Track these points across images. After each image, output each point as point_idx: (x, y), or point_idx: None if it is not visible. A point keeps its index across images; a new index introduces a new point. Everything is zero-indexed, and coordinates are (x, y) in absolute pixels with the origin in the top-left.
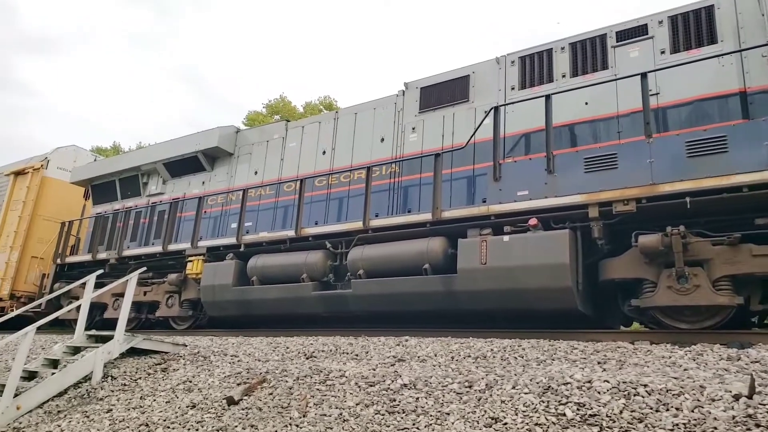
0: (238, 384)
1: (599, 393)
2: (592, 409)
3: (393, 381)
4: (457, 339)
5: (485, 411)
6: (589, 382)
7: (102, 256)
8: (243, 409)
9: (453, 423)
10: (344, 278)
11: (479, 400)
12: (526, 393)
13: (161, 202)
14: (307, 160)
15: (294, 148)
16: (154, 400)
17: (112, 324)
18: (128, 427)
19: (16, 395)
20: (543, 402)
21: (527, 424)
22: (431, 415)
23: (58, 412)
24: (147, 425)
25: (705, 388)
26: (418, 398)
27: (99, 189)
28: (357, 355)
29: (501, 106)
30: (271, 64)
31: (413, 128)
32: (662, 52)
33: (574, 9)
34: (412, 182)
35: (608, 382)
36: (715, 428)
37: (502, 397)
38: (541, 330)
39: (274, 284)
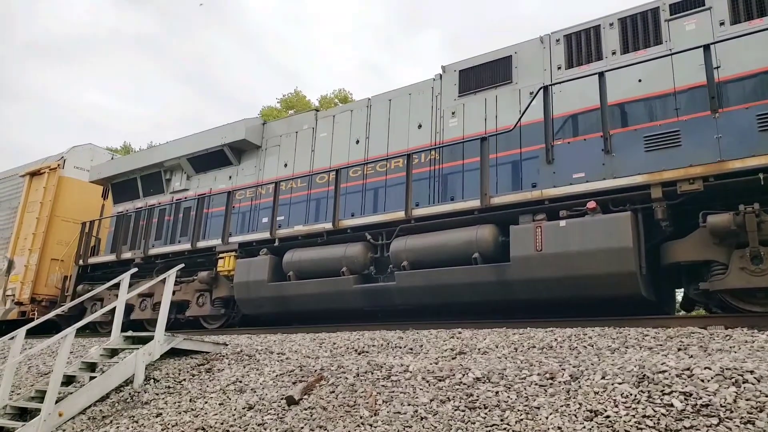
0: (294, 383)
1: (703, 381)
2: (701, 398)
3: (464, 375)
4: (514, 330)
5: (580, 404)
6: (688, 369)
7: (127, 255)
8: (306, 409)
9: (547, 418)
10: (386, 271)
11: (568, 392)
12: (620, 383)
13: (186, 199)
14: (339, 150)
15: (325, 138)
16: (206, 403)
17: (138, 326)
18: (183, 431)
19: (57, 401)
20: (643, 392)
21: (633, 416)
22: (519, 410)
23: (103, 417)
24: (204, 429)
25: None
26: (497, 392)
27: (119, 187)
28: (411, 349)
29: (551, 85)
30: (278, 61)
31: (453, 113)
32: (721, 24)
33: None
34: (453, 169)
35: (710, 369)
36: None
37: (594, 389)
38: (601, 318)
39: (313, 279)
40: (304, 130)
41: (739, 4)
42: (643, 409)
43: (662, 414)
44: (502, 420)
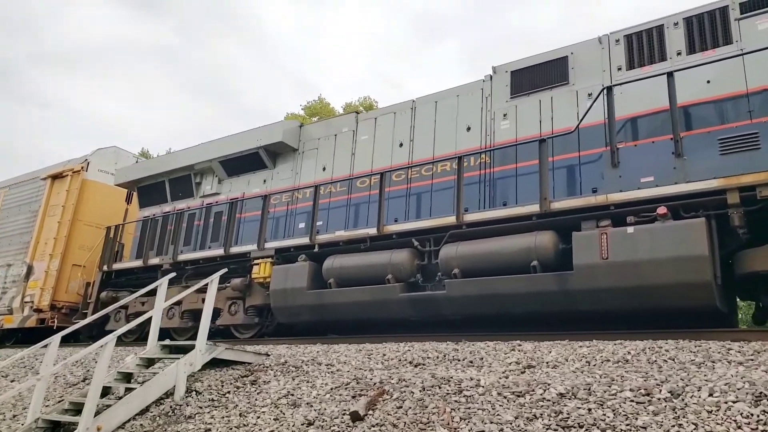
0: (354, 397)
1: None
2: None
3: (545, 390)
4: (579, 342)
5: (695, 424)
6: None
7: (154, 261)
8: (374, 426)
9: None
10: (434, 279)
11: (674, 410)
12: (734, 401)
13: (217, 203)
14: (381, 153)
15: (366, 141)
16: (258, 417)
17: (164, 334)
18: None
19: (96, 414)
20: (766, 412)
21: None
22: (622, 430)
23: None
24: None
25: None
26: (590, 409)
27: (146, 190)
28: (471, 362)
29: (615, 85)
30: (293, 73)
31: (504, 114)
32: None
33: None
34: (505, 173)
35: None
36: None
37: (705, 407)
38: (669, 330)
39: (355, 287)
40: (344, 133)
41: None
42: None
43: None
44: None
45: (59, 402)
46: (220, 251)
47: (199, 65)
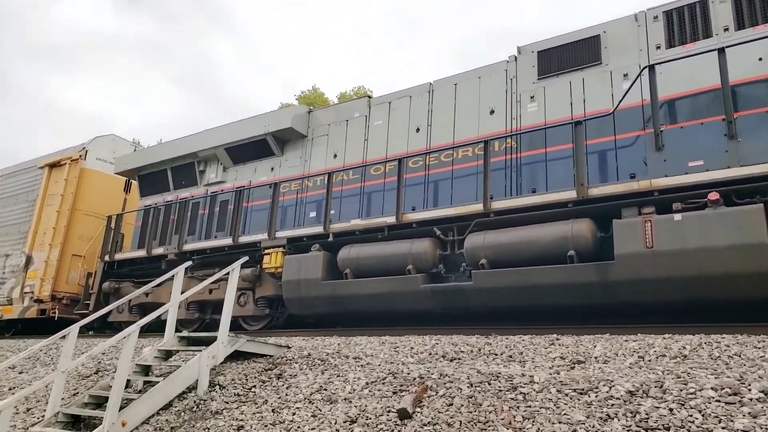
0: (394, 392)
1: None
2: None
3: (610, 388)
4: (623, 336)
5: None
6: None
7: (158, 251)
8: (426, 425)
9: None
10: (458, 269)
11: None
12: None
13: (223, 191)
14: (397, 138)
15: (380, 126)
16: (294, 414)
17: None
18: None
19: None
20: None
21: None
22: None
23: (171, 428)
24: None
25: None
26: (671, 409)
27: (148, 179)
28: (511, 357)
29: (658, 63)
30: (276, 67)
31: (531, 97)
32: None
33: None
34: (534, 158)
35: None
36: None
37: None
38: (720, 324)
39: (373, 277)
40: (356, 119)
41: None
42: None
43: None
44: None
45: (74, 395)
46: (228, 241)
47: (183, 58)
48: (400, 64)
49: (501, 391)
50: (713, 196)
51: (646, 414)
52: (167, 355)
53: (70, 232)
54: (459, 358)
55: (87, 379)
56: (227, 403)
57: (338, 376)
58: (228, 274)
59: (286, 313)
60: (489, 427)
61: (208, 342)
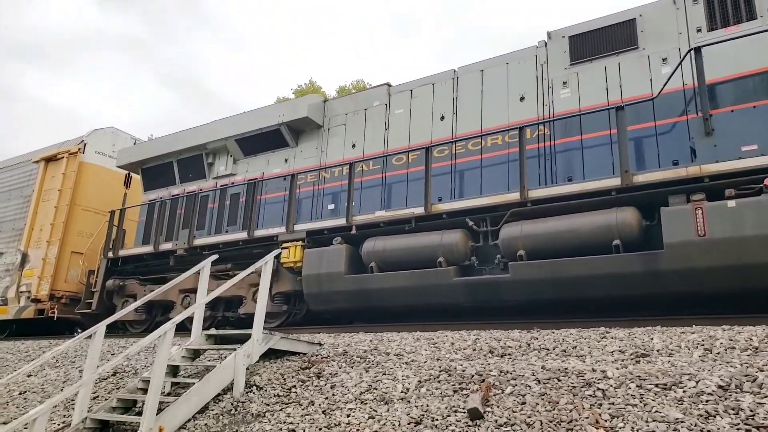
0: (455, 391)
1: None
2: None
3: (696, 382)
4: (679, 328)
5: None
6: None
7: (166, 246)
8: (502, 426)
9: None
10: (491, 261)
11: None
12: None
13: (233, 184)
14: (420, 127)
15: (401, 115)
16: (349, 416)
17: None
18: None
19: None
20: None
21: None
22: None
23: None
24: None
25: None
26: None
27: (152, 172)
28: (565, 351)
29: (704, 46)
30: (264, 65)
31: (564, 82)
32: None
33: None
34: (569, 146)
35: None
36: None
37: None
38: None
39: (401, 270)
40: (375, 107)
41: None
42: None
43: None
44: None
45: (93, 398)
46: (242, 235)
47: (169, 55)
48: (398, 61)
49: (575, 387)
50: None
51: (751, 411)
52: (194, 354)
53: (69, 228)
54: (509, 354)
55: (105, 381)
56: (268, 404)
57: (384, 374)
58: (270, 266)
59: (304, 309)
60: (575, 426)
61: (236, 340)
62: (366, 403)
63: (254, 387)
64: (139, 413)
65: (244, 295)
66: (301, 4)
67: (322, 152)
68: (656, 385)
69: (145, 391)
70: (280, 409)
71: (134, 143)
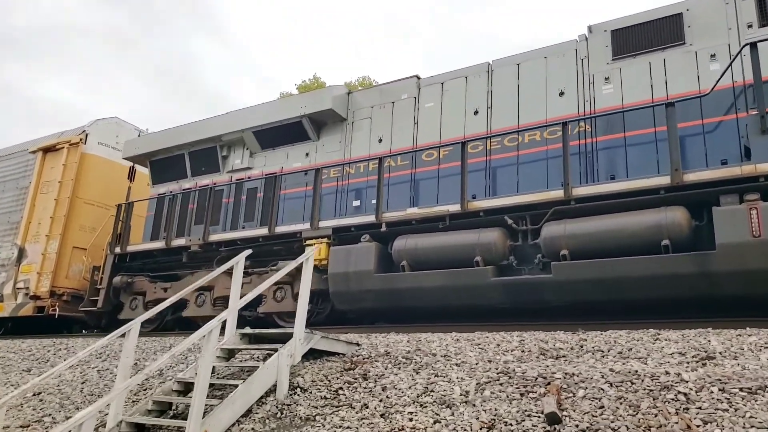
0: (521, 395)
1: None
2: None
3: None
4: (734, 330)
5: None
6: None
7: (179, 242)
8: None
9: None
10: (531, 261)
11: None
12: None
13: (250, 178)
14: (452, 122)
15: (432, 108)
16: (411, 420)
17: (182, 323)
18: None
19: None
20: None
21: None
22: None
23: None
24: None
25: None
26: None
27: (161, 165)
28: (620, 353)
29: (761, 41)
30: (255, 64)
31: (606, 78)
32: None
33: None
34: (611, 142)
35: None
36: None
37: None
38: None
39: (435, 270)
40: (404, 100)
41: None
42: None
43: None
44: None
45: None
46: (262, 231)
47: (160, 51)
48: (398, 61)
49: (653, 391)
50: None
51: None
52: (229, 354)
53: (70, 222)
54: (563, 356)
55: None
56: (316, 407)
57: (437, 375)
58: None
59: (327, 309)
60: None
61: (272, 339)
62: (426, 407)
63: (298, 389)
64: (175, 416)
65: (264, 293)
66: (301, 5)
67: (347, 146)
68: (742, 389)
69: (180, 393)
70: (332, 413)
71: (138, 134)
